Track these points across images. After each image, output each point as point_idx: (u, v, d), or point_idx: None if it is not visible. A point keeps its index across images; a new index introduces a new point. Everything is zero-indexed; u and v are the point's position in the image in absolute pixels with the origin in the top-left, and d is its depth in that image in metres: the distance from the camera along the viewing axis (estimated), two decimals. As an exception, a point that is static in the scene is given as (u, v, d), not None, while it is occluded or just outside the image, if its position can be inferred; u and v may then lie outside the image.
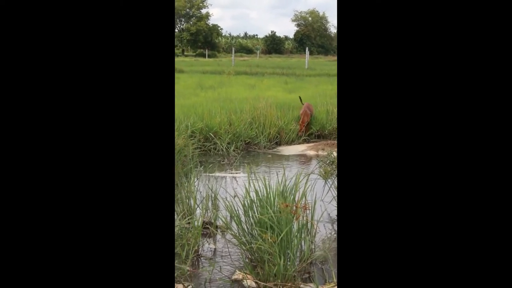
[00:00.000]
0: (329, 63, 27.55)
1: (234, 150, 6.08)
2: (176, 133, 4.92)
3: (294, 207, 2.71)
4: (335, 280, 2.66)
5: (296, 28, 59.94)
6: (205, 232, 3.27)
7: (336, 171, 3.78)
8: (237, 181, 4.74)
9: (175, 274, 2.49)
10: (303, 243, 2.84)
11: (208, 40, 50.30)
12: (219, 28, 54.38)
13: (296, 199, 2.93)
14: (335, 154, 3.90)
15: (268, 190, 2.86)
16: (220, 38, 55.74)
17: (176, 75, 14.51)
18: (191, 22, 50.85)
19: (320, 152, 5.92)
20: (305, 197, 3.01)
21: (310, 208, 2.91)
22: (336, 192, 3.76)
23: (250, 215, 2.86)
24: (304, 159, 5.99)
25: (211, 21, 52.99)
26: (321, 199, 3.70)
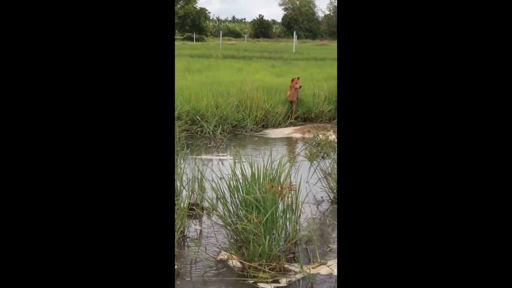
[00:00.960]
0: (317, 47, 27.52)
1: (220, 133, 6.08)
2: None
3: (279, 187, 2.73)
4: (319, 260, 2.70)
5: (284, 12, 59.71)
6: (191, 214, 3.29)
7: (322, 153, 3.81)
8: (223, 164, 4.75)
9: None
10: (288, 224, 2.87)
11: (196, 24, 49.86)
12: (206, 12, 53.93)
13: (282, 180, 2.95)
14: (321, 136, 3.92)
15: (254, 171, 2.87)
16: (207, 21, 55.24)
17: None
18: (179, 5, 50.28)
19: (306, 135, 5.94)
20: (290, 178, 3.03)
21: (295, 189, 2.94)
22: (321, 174, 3.80)
23: (236, 196, 2.88)
24: (290, 141, 6.01)
25: (199, 5, 52.57)
26: (306, 180, 3.73)
